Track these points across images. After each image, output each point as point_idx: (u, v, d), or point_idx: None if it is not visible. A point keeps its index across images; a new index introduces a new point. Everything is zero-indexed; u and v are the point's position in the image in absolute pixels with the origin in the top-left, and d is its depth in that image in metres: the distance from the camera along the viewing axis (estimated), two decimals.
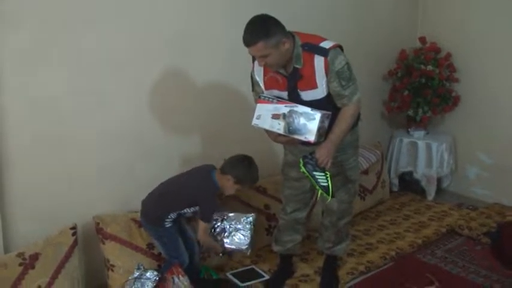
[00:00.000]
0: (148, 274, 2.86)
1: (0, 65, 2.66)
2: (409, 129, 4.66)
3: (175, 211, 2.94)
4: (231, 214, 3.16)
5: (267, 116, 2.78)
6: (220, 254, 3.18)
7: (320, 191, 2.72)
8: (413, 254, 3.63)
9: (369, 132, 4.62)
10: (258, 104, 2.81)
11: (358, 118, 2.96)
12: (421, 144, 4.52)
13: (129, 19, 3.07)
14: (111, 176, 3.18)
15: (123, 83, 3.11)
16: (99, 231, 2.99)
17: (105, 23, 2.99)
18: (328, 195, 2.70)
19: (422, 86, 4.41)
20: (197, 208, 2.94)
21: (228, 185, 2.93)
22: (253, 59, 2.82)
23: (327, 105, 2.73)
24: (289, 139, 2.79)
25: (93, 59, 2.97)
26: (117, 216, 3.08)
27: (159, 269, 2.95)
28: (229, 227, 3.13)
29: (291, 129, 2.73)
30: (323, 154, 2.67)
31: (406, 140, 4.61)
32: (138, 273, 2.87)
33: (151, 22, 3.17)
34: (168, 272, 2.90)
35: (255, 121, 2.82)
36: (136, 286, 2.82)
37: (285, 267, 3.24)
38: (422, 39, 4.58)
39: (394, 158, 4.68)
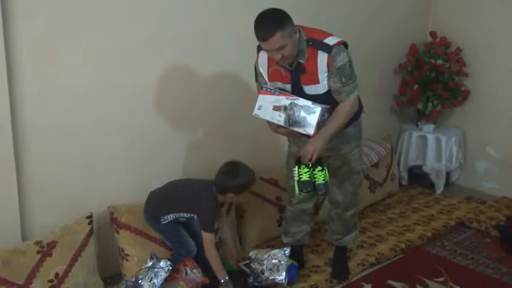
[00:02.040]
0: (161, 264, 2.90)
1: (17, 54, 2.69)
2: (419, 123, 4.67)
3: (172, 213, 2.96)
4: (265, 255, 3.11)
5: (268, 107, 2.81)
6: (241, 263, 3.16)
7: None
8: (423, 247, 3.66)
9: (379, 125, 4.66)
10: (260, 95, 2.85)
11: (360, 110, 3.00)
12: (431, 137, 4.53)
13: (143, 11, 3.10)
14: (126, 166, 3.22)
15: (137, 74, 3.14)
16: (113, 221, 3.03)
17: (120, 14, 3.01)
18: (295, 191, 2.78)
19: (432, 80, 4.43)
20: (193, 216, 2.96)
21: (230, 198, 2.98)
22: (258, 50, 2.85)
23: (329, 100, 2.76)
24: (289, 131, 2.83)
25: (108, 50, 3.00)
26: (131, 206, 3.12)
27: (171, 259, 2.99)
28: (266, 263, 3.09)
29: (291, 122, 2.77)
30: (308, 150, 2.69)
31: (415, 134, 4.62)
32: (151, 263, 2.91)
33: (164, 14, 3.19)
34: (180, 264, 2.94)
35: (256, 111, 2.86)
36: (149, 275, 2.86)
37: (296, 258, 3.25)
38: (433, 34, 4.59)
39: (403, 152, 4.69)
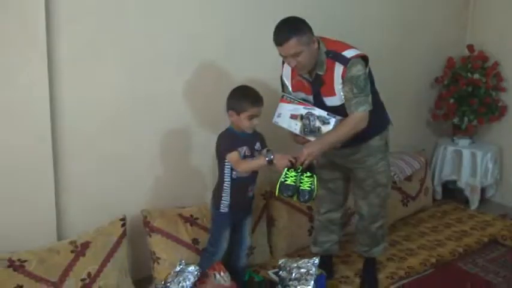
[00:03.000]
0: (190, 269, 2.92)
1: (58, 59, 2.78)
2: (454, 138, 4.63)
3: (220, 169, 2.90)
4: (294, 264, 3.06)
5: (286, 115, 2.89)
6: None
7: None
8: (454, 262, 3.61)
9: (414, 138, 4.65)
10: (280, 103, 2.93)
11: (385, 124, 3.01)
12: (466, 152, 4.48)
13: (178, 22, 3.17)
14: (162, 170, 3.27)
15: (174, 80, 3.21)
16: (146, 224, 3.09)
17: (157, 23, 3.09)
18: (276, 191, 2.73)
19: (469, 94, 4.39)
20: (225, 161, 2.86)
21: (235, 119, 2.82)
22: (283, 62, 2.89)
23: (346, 112, 2.77)
24: (305, 140, 2.85)
25: (145, 57, 3.07)
26: (164, 210, 3.17)
27: (200, 264, 3.00)
28: (295, 272, 3.04)
29: (306, 131, 2.83)
30: (303, 153, 2.68)
31: (450, 148, 4.58)
32: (179, 268, 2.95)
33: (199, 25, 3.25)
34: (210, 268, 2.97)
35: (275, 119, 2.94)
36: (178, 279, 2.88)
37: (325, 268, 3.25)
38: (470, 48, 4.55)
39: (438, 166, 4.65)
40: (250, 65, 3.46)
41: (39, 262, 2.67)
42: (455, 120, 4.50)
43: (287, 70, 2.91)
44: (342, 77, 2.69)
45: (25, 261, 2.65)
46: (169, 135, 3.26)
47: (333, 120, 2.76)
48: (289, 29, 2.62)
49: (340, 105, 2.76)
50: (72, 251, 2.79)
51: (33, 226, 2.82)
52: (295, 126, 2.86)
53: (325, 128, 2.77)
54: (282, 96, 2.93)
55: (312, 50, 2.67)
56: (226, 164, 2.85)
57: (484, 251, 3.81)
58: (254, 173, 2.92)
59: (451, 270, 3.52)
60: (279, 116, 2.93)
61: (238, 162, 2.79)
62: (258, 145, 2.92)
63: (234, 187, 2.89)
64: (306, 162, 2.68)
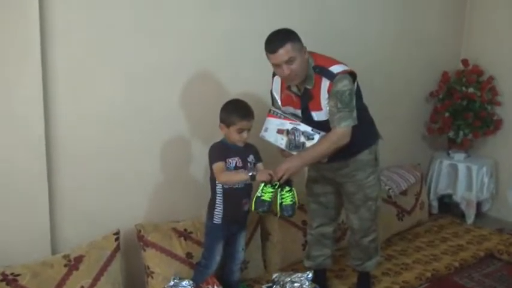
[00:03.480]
0: (184, 283, 2.93)
1: (52, 77, 2.80)
2: (450, 151, 4.65)
3: (212, 180, 2.93)
4: (288, 278, 3.05)
5: (273, 129, 2.93)
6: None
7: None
8: (450, 277, 3.61)
9: (410, 152, 4.66)
10: (268, 118, 2.96)
11: (374, 138, 3.03)
12: (461, 167, 4.50)
13: (174, 35, 3.19)
14: (155, 185, 3.28)
15: (167, 94, 3.23)
16: (140, 239, 3.09)
17: (150, 39, 3.11)
18: (252, 207, 2.76)
19: (464, 108, 4.41)
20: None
21: (226, 132, 2.87)
22: (273, 75, 2.94)
23: None
24: (290, 155, 2.87)
25: (138, 73, 3.09)
26: (158, 224, 3.17)
27: (193, 278, 3.01)
28: (288, 286, 3.03)
29: (291, 146, 2.88)
30: (281, 168, 2.70)
31: (446, 162, 4.59)
32: (173, 283, 2.95)
33: (196, 35, 3.28)
34: (204, 282, 2.97)
35: (262, 133, 2.98)
36: None
37: (319, 282, 3.24)
38: (465, 62, 4.58)
39: (434, 180, 4.66)
40: (248, 77, 3.48)
41: (32, 276, 2.67)
42: (451, 134, 4.51)
43: (277, 84, 2.95)
44: (328, 92, 2.71)
45: (18, 275, 2.64)
46: (164, 148, 3.28)
47: (317, 136, 2.80)
48: (283, 35, 2.67)
49: (327, 120, 2.79)
50: (65, 265, 2.79)
51: (27, 240, 2.82)
52: (281, 141, 2.91)
53: (309, 143, 2.81)
54: (269, 111, 2.97)
55: (304, 59, 2.71)
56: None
57: (480, 265, 3.80)
58: (247, 186, 2.92)
59: (446, 285, 3.52)
60: (266, 130, 2.97)
61: (221, 173, 2.82)
62: (251, 157, 2.94)
63: (226, 198, 2.91)
64: (284, 177, 2.71)
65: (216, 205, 2.93)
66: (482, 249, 3.99)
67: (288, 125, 2.88)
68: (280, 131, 2.90)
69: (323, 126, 2.79)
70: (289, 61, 2.65)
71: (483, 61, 4.57)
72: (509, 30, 4.51)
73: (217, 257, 3.00)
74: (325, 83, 2.72)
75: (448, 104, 4.48)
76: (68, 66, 2.85)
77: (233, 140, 2.86)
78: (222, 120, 2.87)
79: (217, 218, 2.94)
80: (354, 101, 2.74)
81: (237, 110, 2.83)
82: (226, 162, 2.84)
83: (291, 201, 2.76)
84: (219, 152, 2.87)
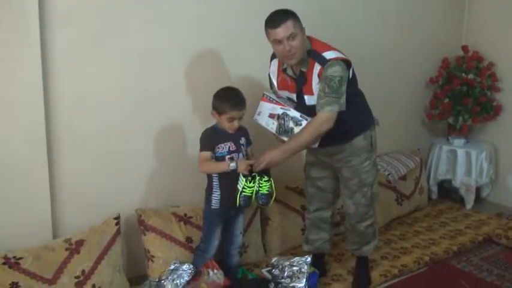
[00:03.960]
0: (184, 267, 2.96)
1: (52, 61, 2.83)
2: (449, 137, 4.65)
3: None
4: (287, 262, 3.10)
5: (265, 113, 2.98)
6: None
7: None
8: (448, 261, 3.64)
9: (409, 138, 4.68)
10: (261, 102, 3.00)
11: (368, 123, 3.04)
12: (461, 152, 4.51)
13: (172, 19, 3.21)
14: (153, 169, 3.31)
15: (167, 78, 3.25)
16: (140, 223, 3.13)
17: (150, 21, 3.14)
18: (237, 202, 2.82)
19: (463, 94, 4.42)
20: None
21: (217, 119, 2.92)
22: (272, 58, 2.98)
23: None
24: (280, 139, 2.93)
25: (138, 56, 3.12)
26: (158, 209, 3.21)
27: (193, 262, 3.04)
28: (287, 270, 3.08)
29: (281, 130, 2.92)
30: (264, 158, 2.75)
31: (445, 148, 4.60)
32: (174, 266, 2.99)
33: (195, 21, 3.30)
34: (203, 266, 3.01)
35: (256, 116, 3.03)
36: (172, 277, 2.93)
37: (318, 266, 3.28)
38: (465, 48, 4.59)
39: (433, 165, 4.67)
40: (249, 59, 3.50)
41: (34, 259, 2.72)
42: (450, 119, 4.52)
43: (274, 67, 2.98)
44: (319, 77, 2.74)
45: (20, 258, 2.70)
46: (164, 134, 3.31)
47: (304, 122, 2.82)
48: (285, 12, 2.72)
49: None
50: (66, 249, 2.83)
51: (28, 225, 2.87)
52: (272, 125, 2.95)
53: (297, 129, 2.84)
54: (263, 95, 3.00)
55: (304, 39, 2.75)
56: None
57: (479, 249, 3.83)
58: None
59: (444, 269, 3.54)
60: (259, 114, 3.02)
61: (203, 163, 2.89)
62: (243, 140, 2.98)
63: (222, 183, 2.94)
64: (262, 166, 2.76)
65: (213, 190, 2.96)
66: (481, 233, 4.01)
67: (278, 109, 2.92)
68: (271, 115, 2.94)
69: (313, 112, 2.80)
70: (291, 37, 2.67)
71: (483, 47, 4.56)
72: (510, 17, 4.50)
73: (216, 241, 3.03)
74: (316, 68, 2.75)
75: (447, 90, 4.48)
76: (67, 50, 2.88)
77: (224, 127, 2.91)
78: (214, 108, 2.91)
79: (215, 203, 2.98)
80: (344, 88, 2.74)
81: (228, 99, 2.86)
82: (216, 149, 2.89)
83: (267, 190, 2.82)
84: (209, 139, 2.91)
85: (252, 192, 2.81)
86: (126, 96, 3.12)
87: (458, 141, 4.59)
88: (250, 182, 2.79)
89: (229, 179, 2.91)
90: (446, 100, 4.49)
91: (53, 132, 2.90)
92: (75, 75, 2.93)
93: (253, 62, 3.43)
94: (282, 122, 2.89)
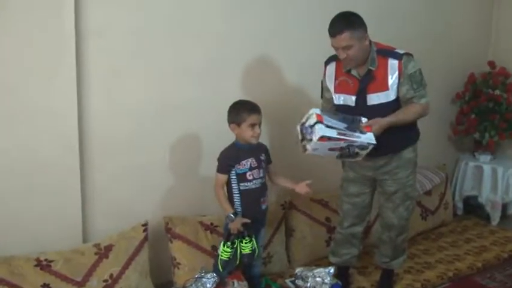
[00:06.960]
0: (209, 275, 3.00)
1: (86, 71, 2.93)
2: (476, 153, 4.64)
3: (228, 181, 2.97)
4: (310, 273, 3.11)
5: (323, 149, 2.74)
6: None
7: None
8: (472, 277, 3.62)
9: (435, 153, 4.64)
10: (317, 142, 2.65)
11: (417, 136, 3.07)
12: (487, 168, 4.49)
13: (203, 33, 3.29)
14: (182, 178, 3.38)
15: (198, 90, 3.32)
16: (168, 231, 3.19)
17: (181, 35, 3.22)
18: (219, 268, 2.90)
19: (490, 110, 4.41)
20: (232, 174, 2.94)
21: (238, 132, 2.90)
22: (326, 63, 3.00)
23: (390, 110, 2.84)
24: (302, 145, 2.82)
25: (169, 68, 3.20)
26: (185, 217, 3.27)
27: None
28: (310, 280, 3.10)
29: (343, 156, 2.83)
30: (372, 123, 2.76)
31: (471, 164, 4.58)
32: (200, 274, 3.03)
33: (227, 35, 3.38)
34: (228, 277, 3.05)
35: (310, 152, 2.73)
36: (197, 285, 2.97)
37: (342, 278, 3.29)
38: (491, 64, 4.58)
39: (459, 181, 4.66)
40: (272, 78, 3.56)
41: (65, 262, 2.81)
42: (476, 135, 4.51)
43: (331, 71, 2.99)
44: (399, 71, 2.80)
45: (52, 261, 2.79)
46: (192, 144, 3.37)
47: (371, 146, 2.75)
48: (344, 22, 2.74)
49: (387, 103, 2.84)
50: (96, 253, 2.92)
51: (60, 229, 2.96)
52: (332, 154, 2.81)
53: (362, 152, 2.78)
54: (321, 137, 2.64)
55: (363, 46, 2.78)
56: (232, 177, 2.93)
57: (504, 266, 3.80)
58: (263, 185, 2.99)
59: (467, 285, 3.53)
60: (314, 150, 2.73)
61: (217, 187, 2.95)
62: (263, 156, 3.00)
63: (244, 198, 2.95)
64: (371, 130, 2.74)
65: (234, 204, 2.95)
66: (506, 250, 3.98)
67: (342, 144, 2.71)
68: (332, 149, 2.75)
69: (373, 111, 2.81)
70: (346, 48, 2.73)
71: (510, 63, 4.55)
72: None
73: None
74: (393, 62, 2.81)
75: (473, 105, 4.48)
76: (101, 62, 2.97)
77: (247, 137, 2.88)
78: (232, 121, 2.91)
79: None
80: (424, 78, 2.87)
81: (244, 106, 2.90)
82: (237, 167, 2.90)
83: (250, 250, 2.89)
84: (226, 161, 2.92)
85: (228, 257, 2.88)
86: (157, 107, 3.19)
87: (485, 157, 4.57)
88: (228, 248, 2.87)
89: (250, 194, 2.95)
90: (473, 116, 4.48)
91: (86, 141, 2.99)
92: (109, 86, 3.02)
93: (278, 79, 3.48)
94: (347, 150, 2.77)
